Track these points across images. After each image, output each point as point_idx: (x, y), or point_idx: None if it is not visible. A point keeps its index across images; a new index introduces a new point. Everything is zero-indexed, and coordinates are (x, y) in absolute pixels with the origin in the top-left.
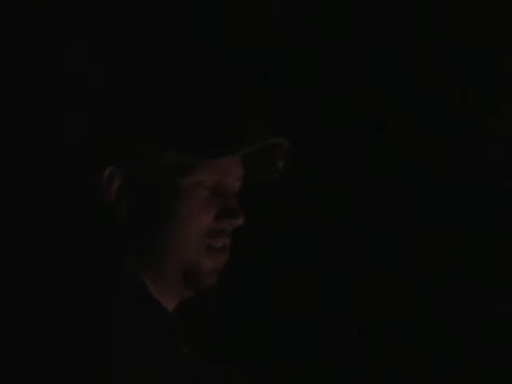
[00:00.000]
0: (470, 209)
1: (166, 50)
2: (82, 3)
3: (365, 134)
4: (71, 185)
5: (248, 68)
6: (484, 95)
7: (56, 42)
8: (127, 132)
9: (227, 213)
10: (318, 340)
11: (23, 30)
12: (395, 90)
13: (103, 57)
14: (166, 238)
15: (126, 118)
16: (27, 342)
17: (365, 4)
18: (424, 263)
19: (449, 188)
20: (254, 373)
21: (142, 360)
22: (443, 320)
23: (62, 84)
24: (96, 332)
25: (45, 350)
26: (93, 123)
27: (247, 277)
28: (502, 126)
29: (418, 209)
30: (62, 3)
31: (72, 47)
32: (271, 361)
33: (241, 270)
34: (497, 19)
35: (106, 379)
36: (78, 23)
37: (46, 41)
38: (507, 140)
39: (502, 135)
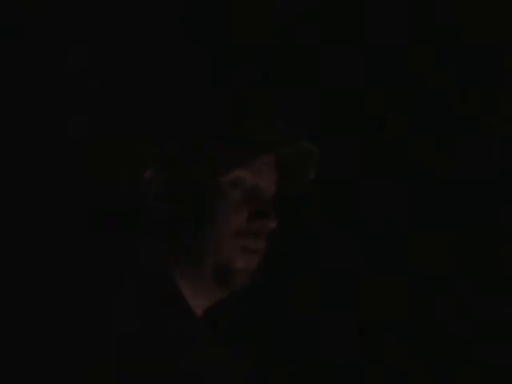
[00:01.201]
0: (470, 209)
1: (167, 50)
2: (82, 3)
3: (365, 133)
4: (70, 186)
5: (248, 68)
6: (484, 95)
7: (56, 41)
8: (127, 131)
9: (260, 215)
10: (318, 340)
11: (23, 30)
12: (395, 89)
13: (103, 57)
14: (202, 238)
15: (125, 117)
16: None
17: (365, 4)
18: (424, 263)
19: (449, 188)
20: (263, 364)
21: (159, 358)
22: (443, 320)
23: (62, 84)
24: (118, 328)
25: (49, 356)
26: (93, 123)
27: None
28: (502, 126)
29: (417, 209)
30: (61, 3)
31: (72, 47)
32: (271, 360)
33: None
34: (497, 19)
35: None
36: (78, 23)
37: (46, 41)
38: (507, 140)
39: (502, 135)
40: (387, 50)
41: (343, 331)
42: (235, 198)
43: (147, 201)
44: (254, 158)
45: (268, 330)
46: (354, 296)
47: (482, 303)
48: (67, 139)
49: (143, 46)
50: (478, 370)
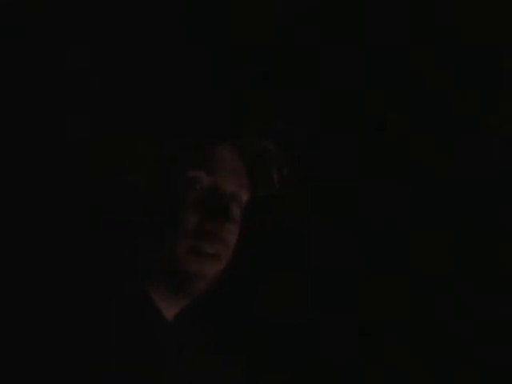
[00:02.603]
0: (470, 209)
1: (167, 50)
2: (82, 3)
3: (365, 133)
4: (70, 186)
5: (248, 68)
6: (484, 95)
7: (56, 41)
8: (127, 131)
9: (215, 214)
10: (318, 340)
11: (23, 30)
12: (395, 89)
13: (103, 57)
14: (158, 239)
15: (125, 117)
16: (21, 343)
17: (365, 4)
18: (424, 263)
19: (449, 188)
20: (255, 373)
21: (136, 366)
22: (443, 320)
23: (62, 84)
24: (92, 338)
25: (38, 356)
26: (93, 123)
27: (248, 278)
28: (501, 125)
29: (417, 209)
30: (62, 3)
31: (72, 47)
32: (271, 361)
33: (241, 271)
34: (497, 19)
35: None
36: (78, 23)
37: (46, 41)
38: (507, 140)
39: (502, 135)
40: (387, 49)
41: (343, 331)
42: (190, 197)
43: (112, 202)
44: (212, 156)
45: (268, 331)
46: (354, 296)
47: (481, 303)
48: (67, 139)
49: (143, 46)
50: (478, 370)
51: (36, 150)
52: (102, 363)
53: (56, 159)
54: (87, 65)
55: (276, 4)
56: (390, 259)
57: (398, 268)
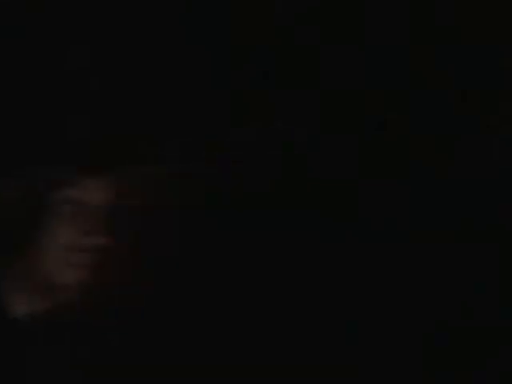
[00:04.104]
0: (470, 209)
1: (167, 50)
2: (82, 3)
3: (365, 133)
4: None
5: (248, 68)
6: (484, 95)
7: (56, 41)
8: (127, 131)
9: (89, 230)
10: (318, 340)
11: (23, 30)
12: (395, 89)
13: (103, 57)
14: (31, 251)
15: (125, 117)
16: None
17: (365, 4)
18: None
19: (449, 188)
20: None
21: None
22: (443, 320)
23: (62, 84)
24: None
25: None
26: (93, 123)
27: (248, 279)
28: (501, 126)
29: (417, 209)
30: (61, 3)
31: (72, 47)
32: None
33: (242, 270)
34: (497, 19)
35: None
36: (78, 23)
37: (46, 41)
38: (507, 140)
39: (502, 135)
40: (387, 49)
41: (343, 329)
42: (63, 213)
43: None
44: (86, 177)
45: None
46: (355, 296)
47: (481, 303)
48: (67, 139)
49: (143, 46)
50: (478, 369)
51: (36, 150)
52: None
53: (56, 159)
54: (87, 65)
55: (276, 4)
56: (389, 259)
57: (398, 268)
